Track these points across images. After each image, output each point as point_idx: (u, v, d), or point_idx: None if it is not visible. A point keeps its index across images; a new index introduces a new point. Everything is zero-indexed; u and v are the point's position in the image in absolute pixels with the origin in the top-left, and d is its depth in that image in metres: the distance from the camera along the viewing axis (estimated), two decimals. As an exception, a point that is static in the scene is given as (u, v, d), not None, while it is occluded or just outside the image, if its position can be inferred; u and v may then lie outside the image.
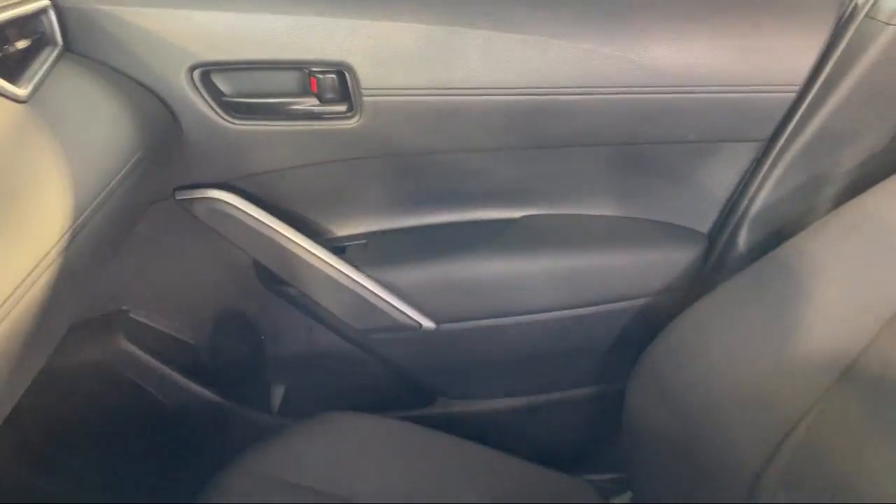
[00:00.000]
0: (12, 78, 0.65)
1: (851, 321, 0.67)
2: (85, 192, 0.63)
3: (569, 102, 0.79)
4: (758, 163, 0.86)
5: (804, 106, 0.80)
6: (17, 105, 0.64)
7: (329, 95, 0.80)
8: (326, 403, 0.93)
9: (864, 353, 0.66)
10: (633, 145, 0.86)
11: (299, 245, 0.88)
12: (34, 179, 0.59)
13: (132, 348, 0.95)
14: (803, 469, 0.68)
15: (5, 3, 0.69)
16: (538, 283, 0.92)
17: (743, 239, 0.88)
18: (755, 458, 0.71)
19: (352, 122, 0.81)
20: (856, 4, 0.77)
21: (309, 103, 0.81)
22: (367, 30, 0.76)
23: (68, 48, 0.77)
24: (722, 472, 0.74)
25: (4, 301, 0.48)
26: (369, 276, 0.91)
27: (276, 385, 1.08)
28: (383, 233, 0.96)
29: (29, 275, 0.53)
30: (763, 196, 0.86)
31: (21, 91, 0.65)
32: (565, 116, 0.81)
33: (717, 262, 0.92)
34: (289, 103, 0.81)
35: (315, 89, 0.80)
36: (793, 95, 0.80)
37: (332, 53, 0.77)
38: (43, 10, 0.74)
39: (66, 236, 0.58)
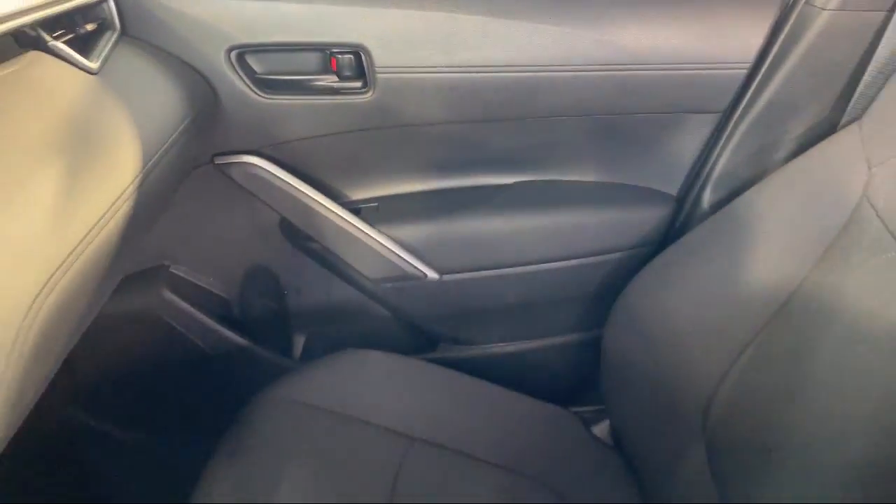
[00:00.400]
0: (84, 54, 0.77)
1: (789, 262, 0.78)
2: (143, 151, 0.74)
3: (552, 78, 0.91)
4: (718, 132, 0.97)
5: (755, 82, 0.91)
6: (91, 76, 0.76)
7: (347, 73, 0.92)
8: (342, 350, 1.05)
9: (798, 288, 0.77)
10: (610, 117, 0.97)
11: (321, 204, 1.00)
12: (105, 138, 0.70)
13: (173, 298, 1.07)
14: (747, 389, 0.79)
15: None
16: (529, 239, 1.04)
17: (707, 199, 0.99)
18: (709, 382, 0.81)
19: (366, 97, 0.92)
20: (798, -8, 0.88)
21: (329, 80, 0.92)
22: (379, 16, 0.88)
23: (125, 32, 0.88)
24: (681, 394, 0.85)
25: (78, 243, 0.58)
26: (381, 233, 1.02)
27: (298, 334, 1.20)
28: (393, 196, 1.07)
29: (97, 222, 0.63)
30: (723, 161, 0.97)
31: (93, 65, 0.76)
32: (549, 91, 0.92)
33: (684, 220, 1.03)
34: (312, 80, 0.92)
35: (335, 68, 0.91)
36: (744, 72, 0.91)
37: (350, 37, 0.88)
38: (104, 0, 0.86)
39: (127, 191, 0.69)
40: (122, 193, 0.69)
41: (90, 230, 0.62)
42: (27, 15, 0.69)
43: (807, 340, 0.75)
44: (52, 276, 0.55)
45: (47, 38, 0.73)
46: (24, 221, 0.54)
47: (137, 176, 0.72)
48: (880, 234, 0.69)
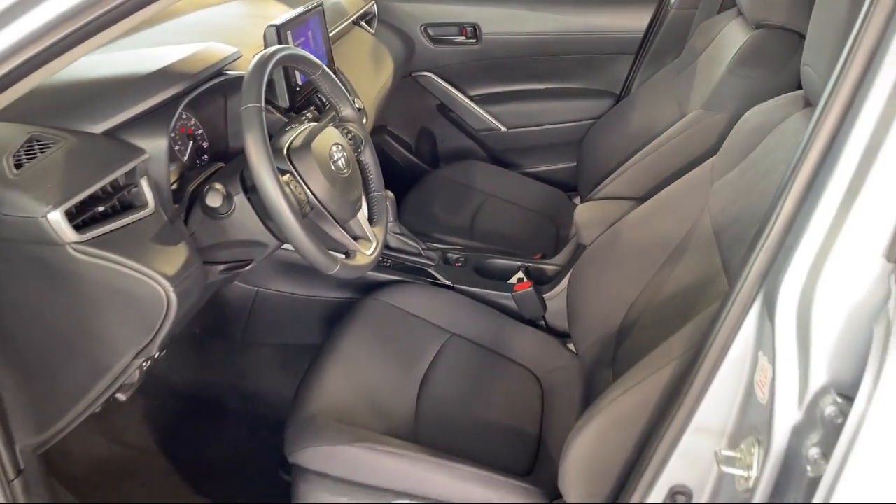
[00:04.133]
0: (370, 26, 1.85)
1: (662, 115, 1.74)
2: (394, 66, 1.81)
3: (552, 39, 1.92)
4: (634, 63, 1.94)
5: (648, 41, 1.87)
6: (372, 36, 1.83)
7: (469, 36, 1.96)
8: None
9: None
10: (581, 56, 1.96)
11: (456, 94, 2.06)
12: (381, 59, 1.78)
13: (386, 138, 2.17)
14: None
15: (362, 5, 1.87)
16: (546, 112, 2.05)
17: (630, 92, 1.94)
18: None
19: (477, 46, 1.97)
20: (664, -2, 1.83)
21: (461, 39, 1.98)
22: (485, 11, 1.91)
23: (379, 18, 1.95)
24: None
25: (375, 96, 1.66)
26: (482, 107, 2.06)
27: (441, 159, 2.26)
28: (486, 93, 2.10)
29: (380, 89, 1.70)
30: (637, 77, 1.93)
31: (372, 30, 1.85)
32: (552, 44, 1.93)
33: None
34: (453, 38, 1.98)
35: (464, 34, 1.96)
36: (640, 36, 1.87)
37: (471, 19, 1.93)
38: (372, 4, 1.93)
39: (389, 79, 1.76)
40: (387, 80, 1.76)
41: (378, 91, 1.69)
42: (356, 14, 1.77)
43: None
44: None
45: (361, 22, 1.81)
46: (370, 78, 1.64)
47: (392, 74, 1.79)
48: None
